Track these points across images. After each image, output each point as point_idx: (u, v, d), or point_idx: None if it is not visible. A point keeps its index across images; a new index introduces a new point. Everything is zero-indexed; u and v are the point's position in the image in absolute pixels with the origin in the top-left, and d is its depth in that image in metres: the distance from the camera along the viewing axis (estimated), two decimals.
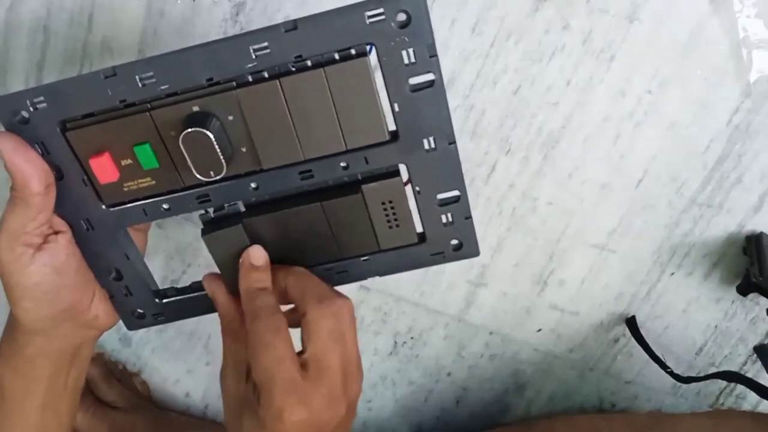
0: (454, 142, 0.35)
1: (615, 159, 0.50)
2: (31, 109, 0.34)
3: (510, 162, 0.50)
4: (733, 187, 0.50)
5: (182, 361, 0.62)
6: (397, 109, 0.34)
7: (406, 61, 0.32)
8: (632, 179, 0.50)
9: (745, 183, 0.50)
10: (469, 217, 0.38)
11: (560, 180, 0.51)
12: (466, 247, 0.39)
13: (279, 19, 0.47)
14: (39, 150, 0.35)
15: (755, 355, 0.56)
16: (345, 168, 0.36)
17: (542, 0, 0.46)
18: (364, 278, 0.40)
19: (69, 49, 0.50)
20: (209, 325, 0.60)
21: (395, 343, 0.59)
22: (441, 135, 0.35)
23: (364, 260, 0.40)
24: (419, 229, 0.39)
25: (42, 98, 0.33)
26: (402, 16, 0.31)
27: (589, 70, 0.47)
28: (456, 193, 0.37)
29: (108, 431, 0.58)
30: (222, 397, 0.39)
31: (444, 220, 0.38)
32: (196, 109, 0.33)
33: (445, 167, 0.36)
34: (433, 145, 0.35)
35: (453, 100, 0.49)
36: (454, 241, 0.39)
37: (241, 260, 0.38)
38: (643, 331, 0.54)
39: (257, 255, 0.38)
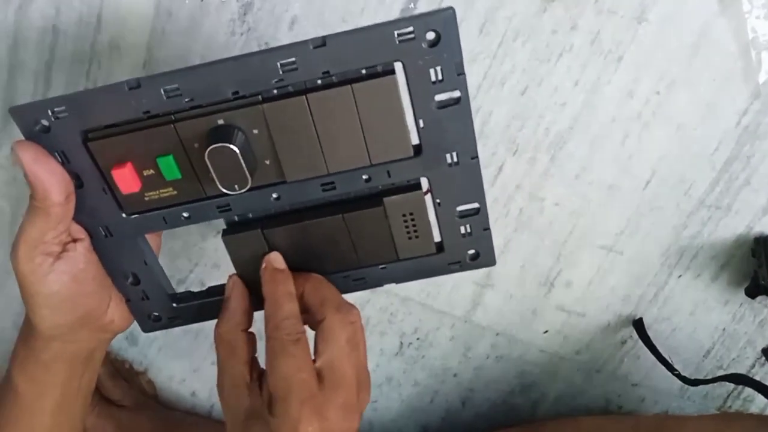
0: (477, 157, 0.35)
1: (622, 160, 0.50)
2: (53, 119, 0.33)
3: (517, 163, 0.50)
4: (741, 189, 0.50)
5: (188, 360, 0.62)
6: (422, 125, 0.34)
7: (433, 78, 0.32)
8: (640, 180, 0.50)
9: (753, 185, 0.49)
10: (487, 229, 0.38)
11: (567, 181, 0.50)
12: (483, 257, 0.39)
13: (287, 19, 0.47)
14: (59, 159, 0.34)
15: (763, 358, 0.55)
16: (367, 180, 0.36)
17: (550, 0, 0.46)
18: (381, 285, 0.41)
19: (78, 48, 0.50)
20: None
21: (401, 343, 0.59)
22: (464, 150, 0.35)
23: (381, 268, 0.40)
24: (437, 238, 0.39)
25: (64, 108, 0.33)
26: (432, 35, 0.31)
27: (596, 71, 0.47)
28: (476, 205, 0.37)
29: (114, 430, 0.58)
30: (224, 411, 0.38)
31: (462, 231, 0.38)
32: (221, 122, 0.33)
33: (466, 181, 0.36)
34: (455, 160, 0.35)
35: None
36: (471, 251, 0.39)
37: (263, 266, 0.38)
38: (650, 334, 0.54)
39: (279, 259, 0.38)
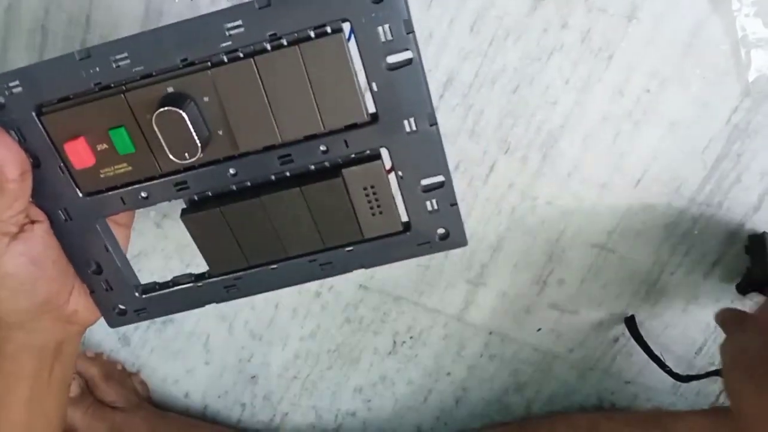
0: (436, 124, 0.34)
1: (614, 158, 0.50)
2: (6, 94, 0.33)
3: (509, 161, 0.50)
4: (732, 187, 0.50)
5: (181, 361, 0.62)
6: (375, 88, 0.33)
7: (382, 38, 0.32)
8: (632, 178, 0.50)
9: (744, 182, 0.50)
10: (454, 204, 0.37)
11: (559, 179, 0.51)
12: (453, 236, 0.38)
13: None
14: (15, 137, 0.34)
15: None
16: (325, 152, 0.35)
17: None
18: (350, 270, 0.39)
19: (67, 48, 0.50)
20: (208, 324, 0.60)
21: (394, 342, 0.59)
22: (421, 115, 0.34)
23: (348, 251, 0.39)
24: (404, 218, 0.38)
25: (17, 82, 0.33)
26: None
27: (587, 69, 0.47)
28: (440, 178, 0.36)
29: (107, 431, 0.58)
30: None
31: (429, 207, 0.37)
32: (170, 90, 0.33)
33: (427, 151, 0.35)
34: (414, 127, 0.34)
35: (452, 99, 0.49)
36: (441, 230, 0.38)
37: None
38: (642, 331, 0.54)
39: None
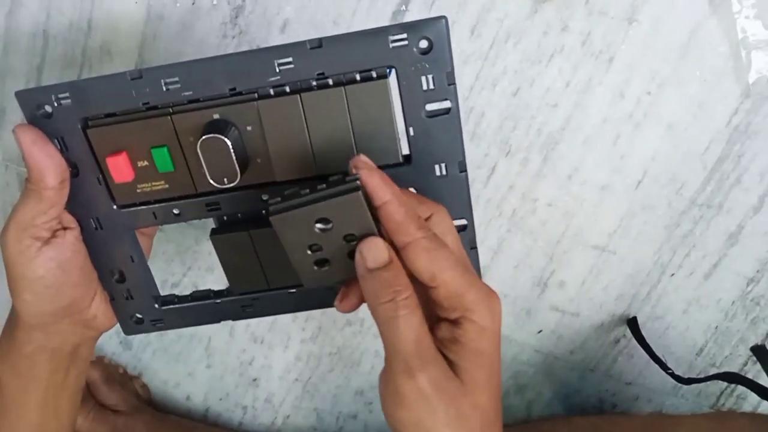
0: (465, 171, 0.35)
1: (614, 160, 0.50)
2: (55, 104, 0.34)
3: (510, 163, 0.50)
4: (732, 188, 0.50)
5: (183, 364, 0.62)
6: (412, 133, 0.34)
7: (424, 87, 0.33)
8: (632, 180, 0.50)
9: (744, 183, 0.50)
10: (474, 248, 0.38)
11: (560, 181, 0.51)
12: None
13: (278, 22, 0.47)
14: (58, 145, 0.35)
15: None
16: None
17: (541, 2, 0.46)
18: None
19: (68, 53, 0.50)
20: (210, 328, 0.60)
21: None
22: (453, 162, 0.35)
23: None
24: None
25: (67, 94, 0.34)
26: (424, 43, 0.32)
27: (588, 72, 0.47)
28: (463, 222, 0.37)
29: None
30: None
31: None
32: (216, 116, 0.34)
33: (454, 195, 0.36)
34: (444, 172, 0.35)
35: None
36: None
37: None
38: (643, 332, 0.54)
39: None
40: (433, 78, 0.33)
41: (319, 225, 0.31)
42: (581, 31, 0.46)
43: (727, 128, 0.48)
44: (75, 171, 0.36)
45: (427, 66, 0.32)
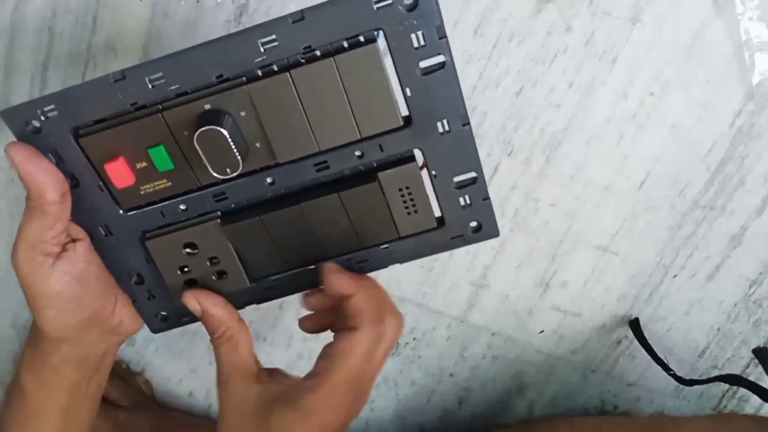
0: (468, 123, 0.35)
1: (617, 161, 0.50)
2: (42, 118, 0.34)
3: (512, 163, 0.50)
4: (735, 190, 0.50)
5: (186, 361, 0.62)
6: (409, 93, 0.33)
7: (415, 44, 0.32)
8: (635, 181, 0.50)
9: (747, 185, 0.50)
10: (487, 198, 0.37)
11: (562, 181, 0.51)
12: (485, 229, 0.39)
13: None
14: (52, 159, 0.35)
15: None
16: (360, 157, 0.36)
17: (545, 2, 0.46)
18: (386, 266, 0.40)
19: (74, 49, 0.50)
20: None
21: (397, 343, 0.59)
22: (454, 117, 0.34)
23: (383, 248, 0.39)
24: (437, 213, 0.38)
25: (53, 106, 0.33)
26: (408, 0, 0.31)
27: (591, 72, 0.47)
28: (473, 174, 0.37)
29: (111, 430, 0.58)
30: (225, 406, 0.40)
31: (462, 202, 0.37)
32: (207, 107, 0.33)
33: (460, 149, 0.35)
34: (447, 128, 0.35)
35: None
36: (473, 223, 0.38)
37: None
38: (645, 333, 0.54)
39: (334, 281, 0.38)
40: (422, 34, 0.32)
41: (187, 249, 0.38)
42: (585, 31, 0.46)
43: (730, 130, 0.48)
44: (74, 182, 0.36)
45: (415, 22, 0.31)
